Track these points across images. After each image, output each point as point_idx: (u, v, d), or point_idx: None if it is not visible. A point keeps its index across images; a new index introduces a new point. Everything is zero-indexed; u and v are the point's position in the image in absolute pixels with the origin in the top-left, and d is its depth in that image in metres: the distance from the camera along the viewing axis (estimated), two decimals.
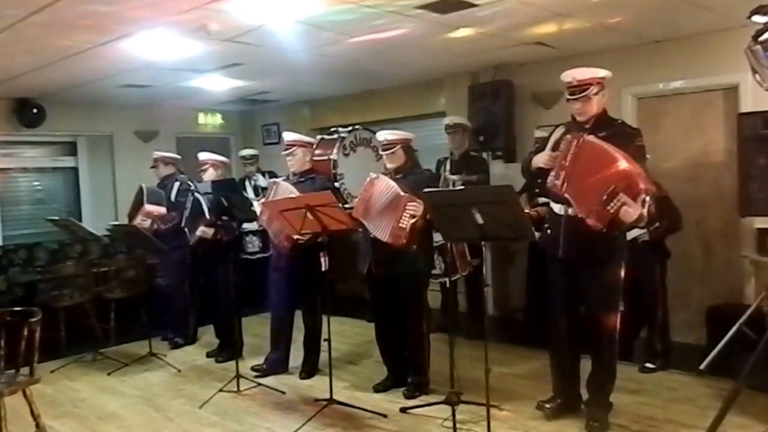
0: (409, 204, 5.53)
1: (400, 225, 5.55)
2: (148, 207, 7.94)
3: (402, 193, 5.55)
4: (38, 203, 10.40)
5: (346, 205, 6.61)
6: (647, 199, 4.55)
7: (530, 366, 6.83)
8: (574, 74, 4.98)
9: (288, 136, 6.88)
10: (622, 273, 5.07)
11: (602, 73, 4.99)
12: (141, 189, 8.15)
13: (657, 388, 6.08)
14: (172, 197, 8.09)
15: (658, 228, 6.33)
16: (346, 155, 7.68)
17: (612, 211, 4.50)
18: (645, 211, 4.56)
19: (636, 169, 4.49)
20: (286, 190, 6.45)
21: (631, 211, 4.46)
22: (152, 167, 8.46)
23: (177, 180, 8.28)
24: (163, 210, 7.99)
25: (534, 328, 7.22)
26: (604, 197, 4.50)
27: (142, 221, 7.91)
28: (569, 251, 5.02)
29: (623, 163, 4.47)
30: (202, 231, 7.25)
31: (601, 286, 5.03)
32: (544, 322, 5.56)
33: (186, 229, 7.52)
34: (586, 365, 5.35)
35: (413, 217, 5.54)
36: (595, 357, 5.23)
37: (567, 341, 5.32)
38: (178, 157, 8.70)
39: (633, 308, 6.21)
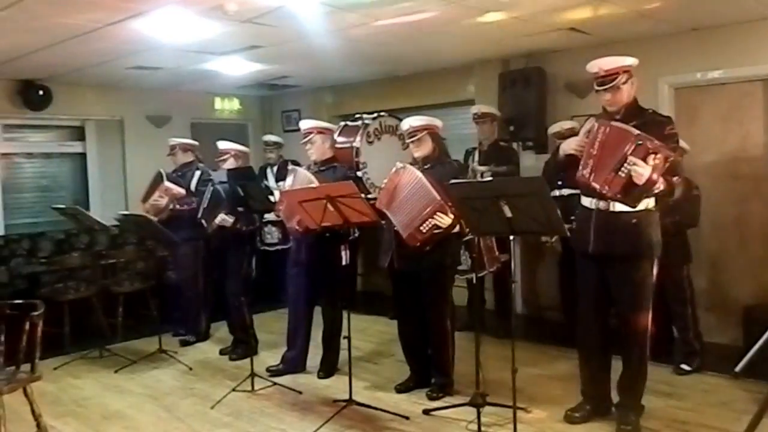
0: (438, 213, 5.59)
1: (421, 229, 5.64)
2: (168, 184, 8.01)
3: (437, 197, 5.58)
4: (44, 190, 10.39)
5: (369, 196, 6.69)
6: (660, 159, 4.60)
7: (559, 367, 6.88)
8: (600, 64, 5.05)
9: (304, 124, 6.95)
10: (655, 271, 5.13)
11: (629, 61, 5.05)
12: (160, 173, 8.21)
13: (690, 391, 6.13)
14: (192, 186, 8.16)
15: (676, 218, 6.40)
16: (370, 143, 7.71)
17: (623, 175, 4.63)
18: (657, 174, 4.61)
19: (647, 136, 4.61)
20: (305, 178, 6.51)
21: (641, 170, 4.56)
22: (169, 155, 8.51)
23: (198, 169, 8.34)
24: (182, 191, 8.05)
25: (566, 328, 7.25)
26: (616, 165, 4.64)
27: (159, 197, 8.00)
28: (599, 247, 5.09)
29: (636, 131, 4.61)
30: (222, 219, 7.31)
31: (632, 284, 5.09)
32: (576, 320, 5.61)
33: (203, 220, 7.58)
34: (617, 366, 5.39)
35: (437, 228, 5.63)
36: (625, 358, 5.28)
37: (597, 341, 5.38)
38: (197, 143, 8.74)
39: (663, 308, 6.30)
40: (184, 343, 8.35)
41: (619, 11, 6.55)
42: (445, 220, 5.59)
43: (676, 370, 6.56)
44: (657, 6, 6.47)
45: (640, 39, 7.52)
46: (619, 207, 4.95)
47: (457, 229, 5.79)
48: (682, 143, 6.14)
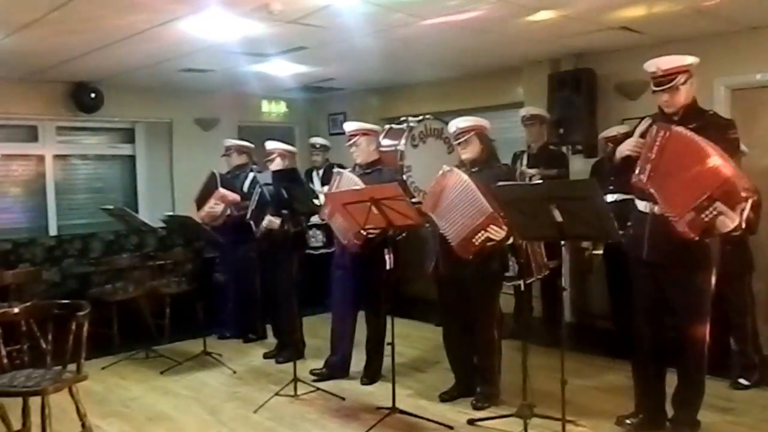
0: (492, 227, 5.41)
1: (473, 241, 5.48)
2: (223, 191, 7.99)
3: (490, 209, 5.38)
4: (95, 192, 10.50)
5: (413, 200, 6.56)
6: (747, 206, 4.38)
7: (611, 378, 6.68)
8: (659, 63, 4.82)
9: (349, 126, 6.87)
10: (713, 280, 4.91)
11: (689, 60, 4.81)
12: (213, 174, 8.19)
13: (749, 406, 5.89)
14: (245, 188, 8.13)
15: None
16: (415, 146, 7.60)
17: (707, 220, 4.34)
18: (743, 220, 4.39)
19: (736, 172, 4.30)
20: (350, 181, 6.42)
21: (728, 222, 4.30)
22: (224, 155, 8.55)
23: (252, 171, 8.34)
24: (237, 197, 8.02)
25: (617, 337, 7.07)
26: (699, 204, 4.33)
27: (215, 205, 7.98)
28: (654, 254, 4.89)
29: (724, 168, 4.27)
30: (269, 221, 7.27)
31: (690, 294, 4.89)
32: (628, 330, 5.41)
33: (251, 222, 7.55)
34: (671, 379, 5.19)
35: (490, 241, 5.46)
36: (681, 371, 5.09)
37: (651, 352, 5.16)
38: (252, 145, 8.74)
39: (721, 319, 6.01)
40: (247, 340, 8.47)
41: (675, 8, 6.33)
42: (499, 233, 5.42)
43: (733, 385, 6.30)
44: (715, 3, 6.22)
45: (695, 38, 7.24)
46: None
47: (510, 241, 5.65)
48: (741, 146, 5.87)
